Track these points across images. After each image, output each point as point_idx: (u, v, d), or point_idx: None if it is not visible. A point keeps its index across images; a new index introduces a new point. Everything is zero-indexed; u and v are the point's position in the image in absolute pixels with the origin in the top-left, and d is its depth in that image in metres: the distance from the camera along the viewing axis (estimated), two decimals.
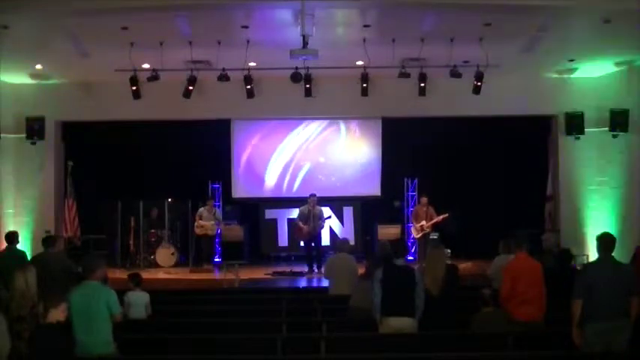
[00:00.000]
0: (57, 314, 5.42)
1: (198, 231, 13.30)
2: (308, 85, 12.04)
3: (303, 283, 12.04)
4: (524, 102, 13.53)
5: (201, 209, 13.41)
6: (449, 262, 7.83)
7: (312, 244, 12.94)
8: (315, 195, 12.88)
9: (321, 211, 12.95)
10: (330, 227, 14.33)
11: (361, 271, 8.26)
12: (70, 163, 13.87)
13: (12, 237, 9.05)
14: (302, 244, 13.38)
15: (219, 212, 13.72)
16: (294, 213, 13.54)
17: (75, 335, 5.77)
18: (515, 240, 7.09)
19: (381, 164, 14.56)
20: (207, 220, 13.28)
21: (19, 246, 9.24)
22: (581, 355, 5.94)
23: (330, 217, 13.33)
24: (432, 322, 6.62)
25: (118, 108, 13.02)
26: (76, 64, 11.90)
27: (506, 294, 6.71)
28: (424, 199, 13.27)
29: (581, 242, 12.93)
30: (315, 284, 11.83)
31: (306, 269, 12.80)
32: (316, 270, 12.70)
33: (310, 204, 12.79)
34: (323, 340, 6.44)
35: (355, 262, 8.79)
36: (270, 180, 14.72)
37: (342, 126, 14.70)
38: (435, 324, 6.64)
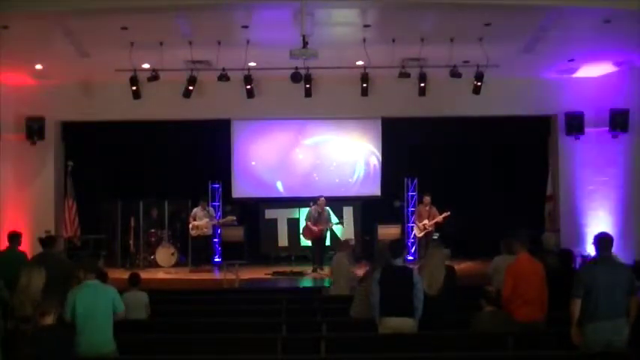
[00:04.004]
0: (49, 319, 5.43)
1: (193, 232, 13.22)
2: (308, 85, 12.04)
3: (303, 283, 12.05)
4: (524, 102, 13.54)
5: (194, 210, 13.36)
6: (447, 262, 7.80)
7: (318, 244, 13.04)
8: (322, 197, 13.05)
9: (329, 212, 13.02)
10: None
11: (360, 272, 8.26)
12: (70, 163, 13.87)
13: (13, 238, 9.02)
14: (309, 243, 13.47)
15: (212, 210, 13.68)
16: (294, 213, 13.53)
17: (78, 335, 5.78)
18: (516, 240, 7.08)
19: (381, 164, 14.57)
20: (201, 220, 13.24)
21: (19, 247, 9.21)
22: (581, 355, 5.94)
23: (338, 222, 13.40)
24: (429, 323, 6.62)
25: (118, 108, 13.02)
26: (76, 64, 11.89)
27: (509, 295, 6.70)
28: (427, 199, 13.30)
29: (581, 242, 12.93)
30: (315, 284, 11.83)
31: (305, 269, 12.85)
32: (319, 270, 12.73)
33: (320, 205, 12.89)
34: (323, 340, 6.44)
35: (351, 262, 8.80)
36: (270, 180, 14.71)
37: (342, 126, 14.69)
38: (433, 324, 6.64)
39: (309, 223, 12.98)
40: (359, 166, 14.68)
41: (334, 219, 13.36)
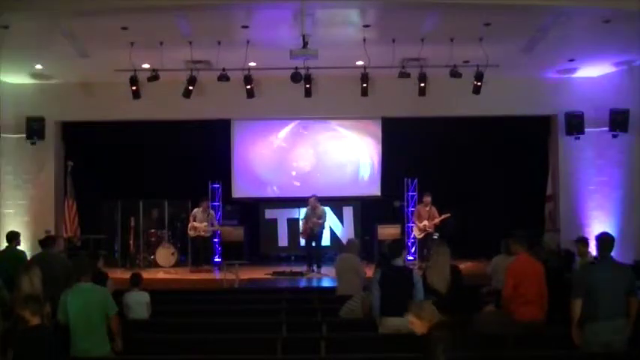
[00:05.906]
0: (35, 320, 5.33)
1: (191, 233, 13.22)
2: (308, 85, 12.04)
3: (303, 283, 12.05)
4: (524, 102, 13.53)
5: (195, 210, 13.34)
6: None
7: (313, 244, 13.02)
8: (314, 196, 13.03)
9: (323, 211, 13.07)
10: (330, 227, 14.35)
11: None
12: (70, 163, 13.87)
13: (12, 237, 9.02)
14: (303, 242, 13.49)
15: (213, 214, 13.63)
16: (294, 213, 13.56)
17: (72, 336, 5.76)
18: (516, 240, 7.08)
19: (381, 164, 14.56)
20: (201, 222, 13.21)
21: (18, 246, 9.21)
22: (581, 355, 5.94)
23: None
24: None
25: (118, 108, 13.01)
26: (76, 64, 11.90)
27: (509, 294, 6.70)
28: (427, 199, 13.25)
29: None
30: (315, 284, 11.83)
31: (305, 269, 12.83)
32: (315, 269, 12.74)
33: (310, 205, 12.93)
34: (323, 340, 6.44)
35: (359, 263, 8.78)
36: (270, 180, 14.71)
37: (342, 126, 14.68)
38: None
39: (302, 222, 13.12)
40: (359, 166, 14.68)
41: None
